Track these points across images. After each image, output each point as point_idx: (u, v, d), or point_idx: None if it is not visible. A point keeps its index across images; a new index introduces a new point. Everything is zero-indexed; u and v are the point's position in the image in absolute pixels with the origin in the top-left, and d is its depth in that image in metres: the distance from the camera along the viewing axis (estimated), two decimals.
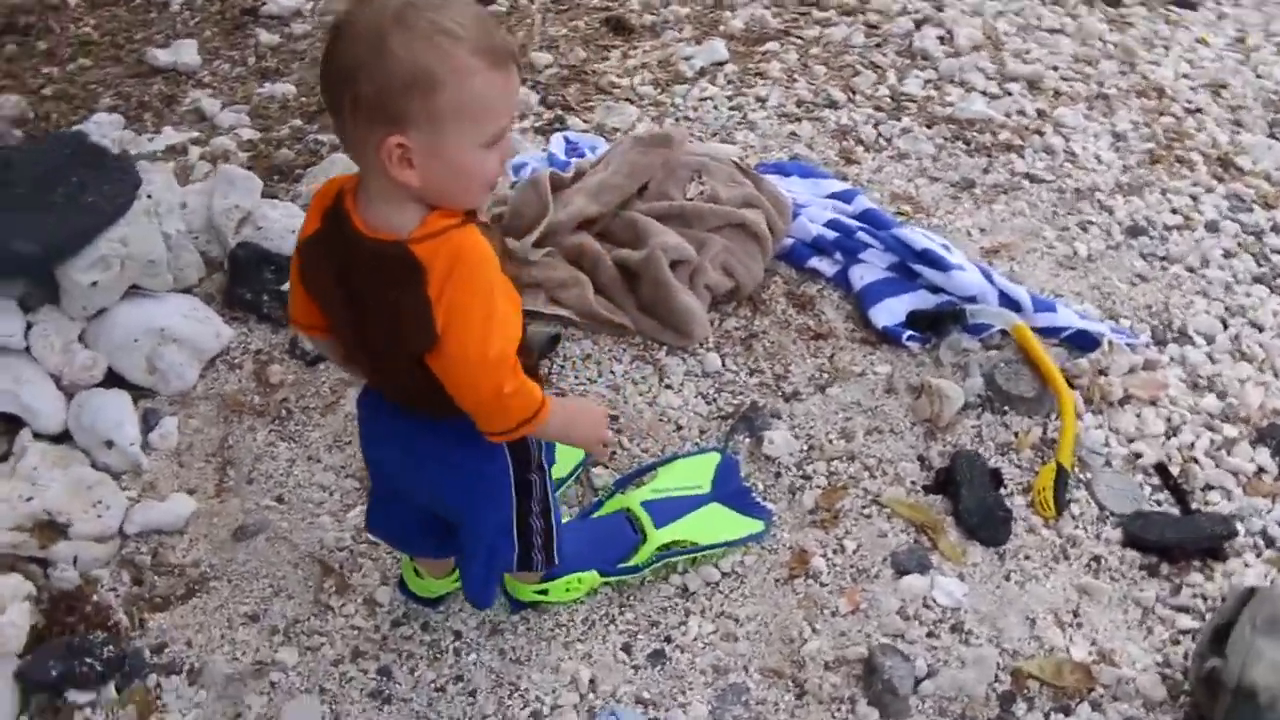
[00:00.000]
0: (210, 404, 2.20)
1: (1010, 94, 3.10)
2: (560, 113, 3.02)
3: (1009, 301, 2.35)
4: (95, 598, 1.88)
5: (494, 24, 1.28)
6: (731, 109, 3.04)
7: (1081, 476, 2.09)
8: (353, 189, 1.33)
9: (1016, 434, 2.16)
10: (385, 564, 1.93)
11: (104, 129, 2.95)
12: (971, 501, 2.00)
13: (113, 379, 2.15)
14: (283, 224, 2.41)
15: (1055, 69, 3.24)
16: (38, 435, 2.04)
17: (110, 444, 2.02)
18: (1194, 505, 2.06)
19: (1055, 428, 2.15)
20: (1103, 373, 2.27)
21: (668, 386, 2.25)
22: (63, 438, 2.07)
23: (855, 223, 2.50)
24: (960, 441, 2.15)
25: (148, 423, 2.13)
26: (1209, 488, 2.10)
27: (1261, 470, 2.13)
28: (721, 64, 3.23)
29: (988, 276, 2.39)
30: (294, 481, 2.07)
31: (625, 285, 2.37)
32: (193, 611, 1.89)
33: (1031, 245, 2.61)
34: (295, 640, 1.85)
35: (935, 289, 2.39)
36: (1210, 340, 2.39)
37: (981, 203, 2.73)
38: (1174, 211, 2.72)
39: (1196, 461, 2.14)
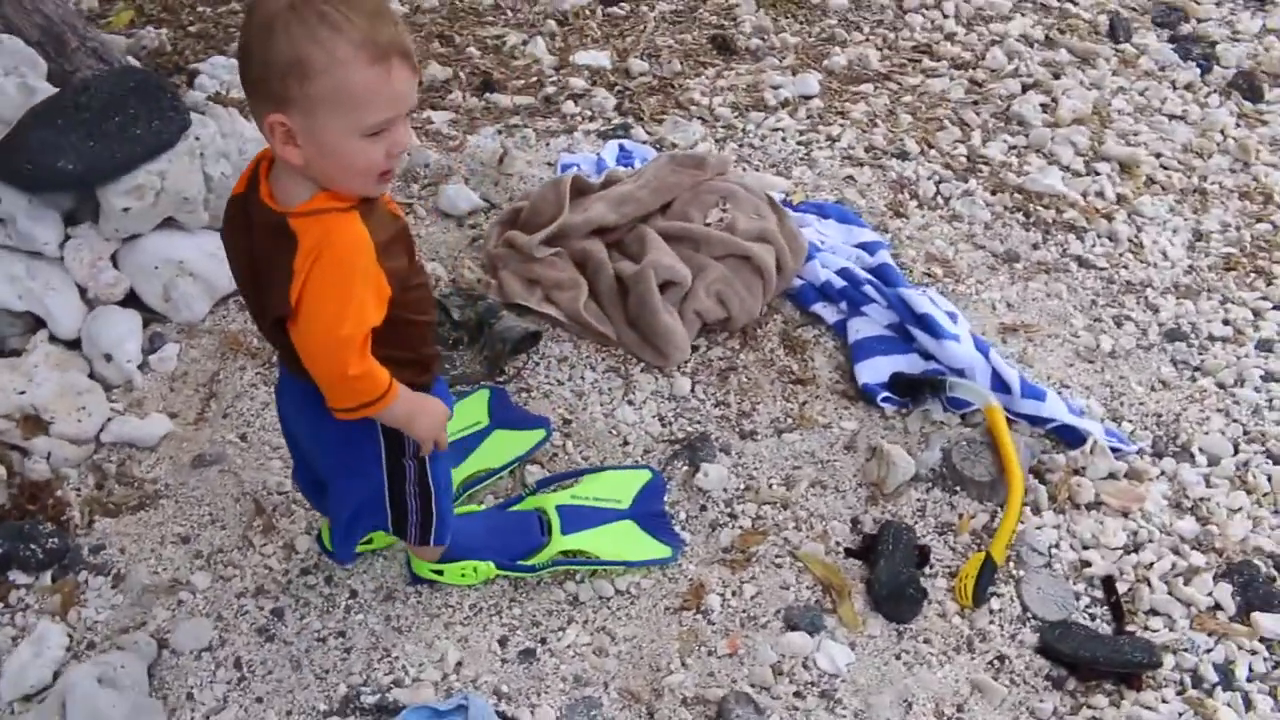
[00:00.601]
0: (213, 339, 2.37)
1: (1095, 173, 2.98)
2: (630, 121, 3.08)
3: (999, 382, 2.28)
4: (59, 493, 2.08)
5: (387, 20, 1.33)
6: (799, 143, 3.03)
7: (1014, 573, 2.03)
8: (267, 165, 1.44)
9: (961, 516, 2.11)
10: (314, 516, 2.05)
11: (215, 70, 3.18)
12: (886, 573, 1.97)
13: (132, 300, 2.35)
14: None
15: (1158, 156, 3.09)
16: (54, 339, 2.25)
17: (109, 357, 2.22)
18: (1129, 627, 1.97)
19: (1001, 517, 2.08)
20: (1077, 472, 2.19)
21: (629, 401, 2.29)
22: (75, 345, 2.27)
23: (866, 275, 2.48)
24: (901, 512, 2.11)
25: (152, 345, 2.32)
26: (1153, 613, 2.00)
27: (1218, 607, 2.02)
28: (809, 98, 3.22)
29: (984, 352, 2.32)
30: (260, 423, 2.22)
31: (620, 297, 2.42)
32: (136, 523, 2.06)
33: (1055, 330, 2.52)
34: (212, 567, 1.99)
35: (928, 355, 2.34)
36: (1214, 462, 2.26)
37: (1019, 278, 2.65)
38: (1226, 323, 2.57)
39: (1149, 583, 2.04)
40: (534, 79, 3.28)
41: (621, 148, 2.90)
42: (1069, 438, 2.25)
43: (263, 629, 1.90)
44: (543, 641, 1.90)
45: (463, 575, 1.93)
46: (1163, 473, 2.23)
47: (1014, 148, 3.07)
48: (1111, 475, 2.20)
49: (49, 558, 1.98)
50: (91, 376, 2.22)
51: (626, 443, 2.22)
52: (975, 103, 3.24)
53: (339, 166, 1.36)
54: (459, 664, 1.86)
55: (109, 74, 2.44)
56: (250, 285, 1.50)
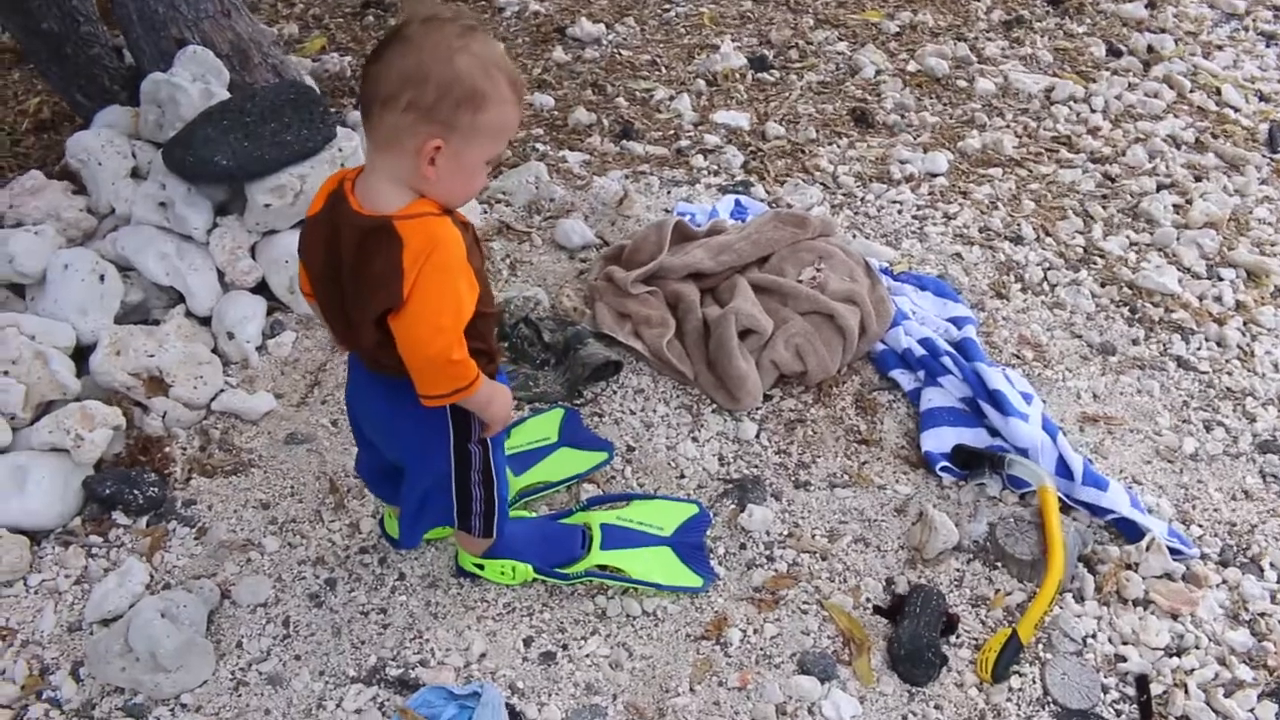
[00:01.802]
0: (325, 333, 2.59)
1: (1218, 278, 2.92)
2: (753, 179, 3.20)
3: (1063, 466, 2.27)
4: (167, 449, 2.32)
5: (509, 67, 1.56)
6: (914, 217, 3.08)
7: (1041, 655, 2.01)
8: (353, 178, 1.61)
9: (997, 591, 2.10)
10: (381, 503, 2.22)
11: None
12: (908, 634, 1.98)
13: (262, 289, 2.60)
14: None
15: None
16: (189, 314, 2.51)
17: (232, 336, 2.46)
18: None
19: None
20: (1130, 566, 2.15)
21: (694, 438, 2.38)
22: (206, 321, 2.53)
23: (947, 347, 2.50)
24: (938, 579, 2.12)
25: (272, 331, 2.56)
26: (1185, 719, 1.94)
27: None
28: (935, 175, 3.27)
29: (1052, 435, 2.32)
30: None
31: (703, 339, 2.52)
32: (227, 485, 2.27)
33: (1138, 426, 2.48)
34: (283, 534, 2.18)
35: (995, 432, 2.35)
36: None
37: (1110, 370, 2.62)
38: None
39: (1186, 689, 1.98)
40: (671, 132, 3.44)
41: (738, 202, 3.01)
42: (1128, 531, 2.21)
43: (314, 595, 2.07)
44: (564, 647, 1.99)
45: (502, 574, 2.05)
46: (1224, 581, 2.16)
47: (1135, 244, 3.03)
48: (1166, 575, 2.14)
49: (147, 504, 2.21)
50: (214, 351, 2.47)
51: (683, 476, 2.31)
52: (1104, 197, 3.21)
53: (465, 186, 1.58)
54: (483, 655, 1.97)
55: (275, 86, 2.73)
56: (337, 292, 1.62)
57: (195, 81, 2.74)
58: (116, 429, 2.26)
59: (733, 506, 2.24)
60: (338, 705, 1.90)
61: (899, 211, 3.10)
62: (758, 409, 2.46)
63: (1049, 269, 2.90)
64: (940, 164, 3.29)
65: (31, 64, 3.43)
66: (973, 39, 3.98)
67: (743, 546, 2.18)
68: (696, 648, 2.00)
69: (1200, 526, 2.27)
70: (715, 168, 3.24)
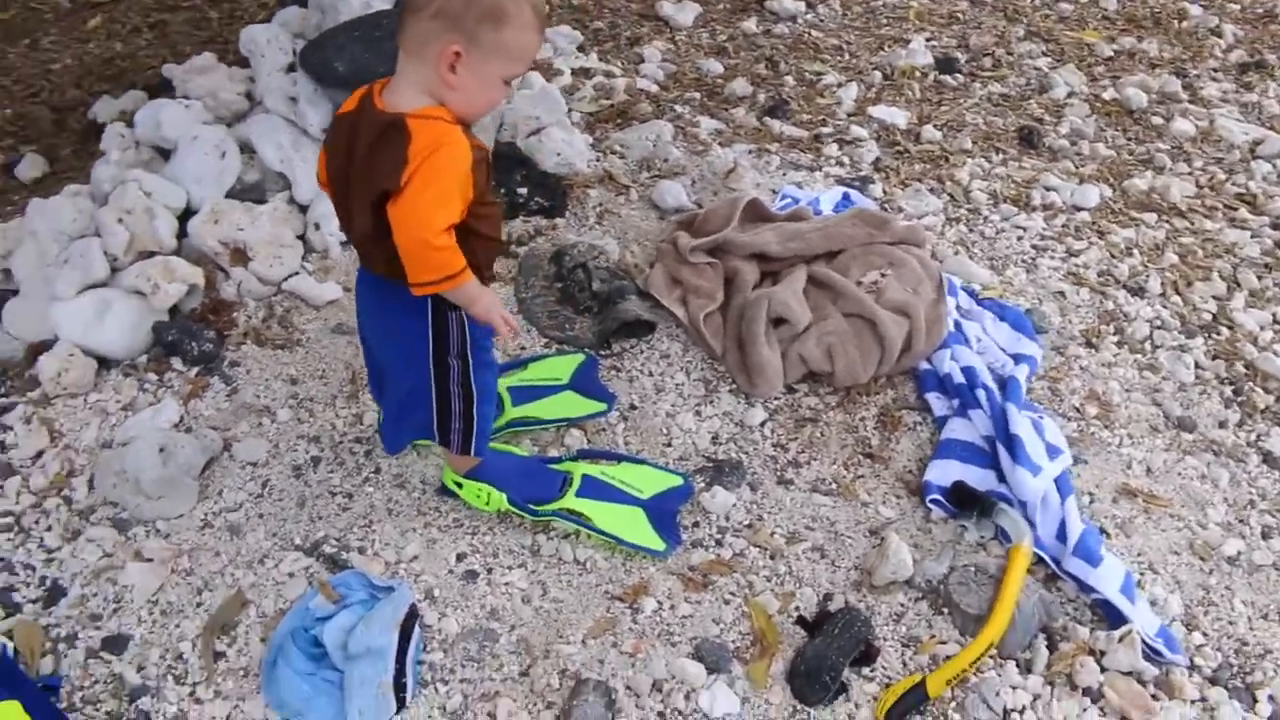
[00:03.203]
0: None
1: None
2: (876, 178, 3.11)
3: (1063, 531, 2.11)
4: (234, 314, 2.58)
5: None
6: (1033, 246, 2.90)
7: (950, 715, 1.90)
8: (382, 85, 1.74)
9: (932, 636, 2.00)
10: None
11: (557, 36, 3.63)
12: (814, 651, 1.93)
13: None
14: (562, 151, 2.89)
15: None
16: (292, 200, 2.76)
17: (318, 226, 2.69)
18: None
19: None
20: (1094, 653, 1.98)
21: (696, 412, 2.39)
22: (305, 210, 2.77)
23: (987, 380, 2.37)
24: (878, 608, 2.04)
25: None
26: None
27: None
28: (1079, 209, 3.06)
29: (1063, 496, 2.16)
30: None
31: (740, 319, 2.50)
32: (270, 357, 2.50)
33: (1182, 514, 2.25)
34: (298, 409, 2.39)
35: (1004, 477, 2.22)
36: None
37: (1177, 448, 2.38)
38: None
39: None
40: (821, 117, 3.39)
41: (845, 195, 2.95)
42: (1112, 616, 2.03)
43: (298, 467, 2.26)
44: (489, 570, 2.08)
45: (478, 496, 2.13)
46: (1203, 699, 1.95)
47: (1279, 325, 2.71)
48: (1134, 674, 1.96)
49: (200, 357, 2.47)
50: (300, 238, 2.70)
51: (670, 445, 2.32)
52: (1267, 266, 2.89)
53: (483, 98, 1.69)
54: (415, 558, 2.09)
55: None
56: (347, 178, 1.73)
57: None
58: (194, 287, 2.53)
59: (703, 485, 2.23)
60: (276, 565, 2.08)
61: (1019, 238, 2.92)
62: (776, 398, 2.42)
63: (1158, 328, 2.66)
64: (1091, 198, 3.06)
65: None
66: (1193, 76, 3.64)
67: (696, 525, 2.18)
68: (609, 605, 2.03)
69: (1205, 635, 2.05)
70: (845, 159, 3.17)
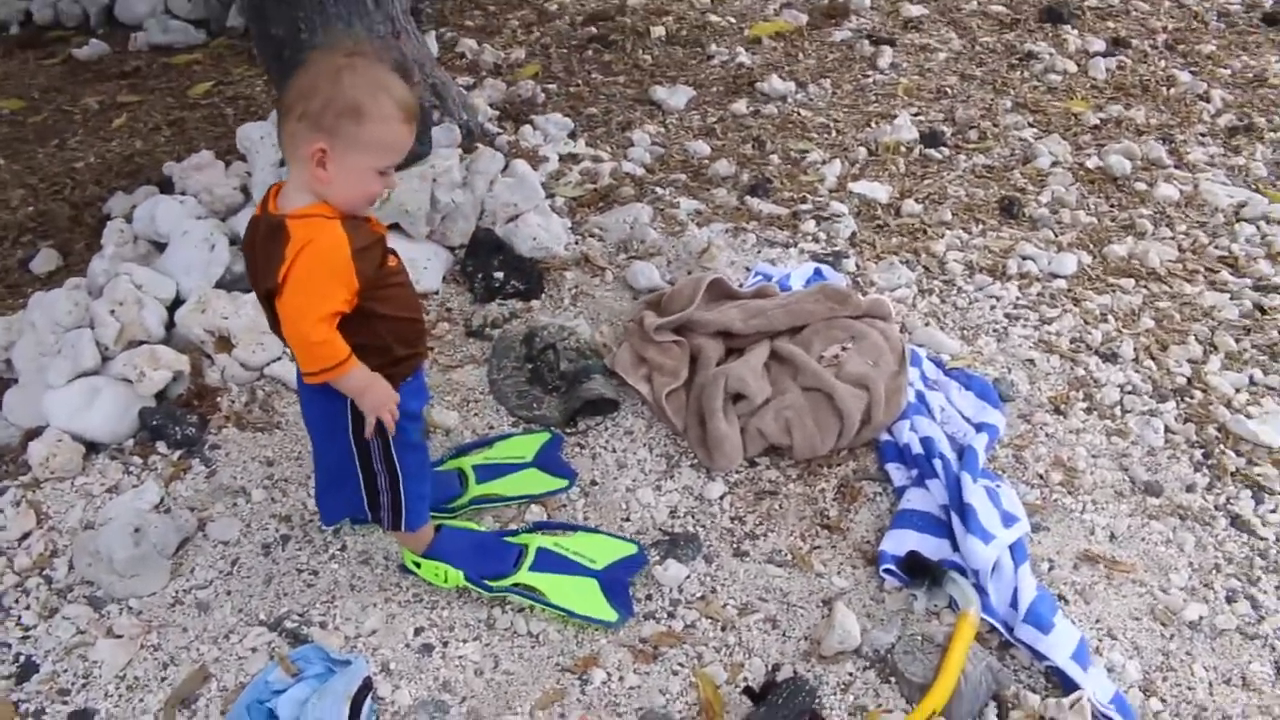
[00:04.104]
0: None
1: None
2: (850, 253, 3.15)
3: (1015, 599, 2.11)
4: (218, 399, 2.68)
5: (413, 94, 1.77)
6: (1006, 315, 2.92)
7: None
8: (278, 187, 1.86)
9: (879, 705, 2.00)
10: None
11: (549, 124, 3.76)
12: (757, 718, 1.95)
13: None
14: (538, 236, 3.00)
15: None
16: None
17: None
18: None
19: None
20: None
21: (656, 487, 2.43)
22: None
23: (946, 450, 2.38)
24: (826, 678, 2.05)
25: None
26: None
27: None
28: (1056, 277, 3.07)
29: (1016, 563, 2.16)
30: None
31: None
32: (249, 440, 2.59)
33: (1144, 579, 2.23)
34: (271, 489, 2.47)
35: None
36: None
37: (1141, 513, 2.37)
38: None
39: None
40: (802, 195, 3.45)
41: (817, 271, 3.00)
42: (1067, 684, 2.02)
43: (267, 545, 2.33)
44: (445, 644, 2.13)
45: (436, 574, 2.19)
46: None
47: (1255, 387, 2.70)
48: None
49: (183, 441, 2.57)
50: None
51: (628, 519, 2.36)
52: (1246, 329, 2.88)
53: (354, 191, 1.77)
54: (374, 632, 2.15)
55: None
56: (253, 275, 1.87)
57: None
58: (179, 374, 2.65)
59: (658, 558, 2.27)
60: (240, 640, 2.14)
61: (992, 307, 2.94)
62: (737, 472, 2.46)
63: (1129, 393, 2.66)
64: (1068, 266, 3.08)
65: (260, 59, 4.01)
66: (1180, 141, 3.66)
67: (649, 597, 2.20)
68: (558, 677, 2.06)
69: (1164, 702, 2.03)
70: (822, 235, 3.22)
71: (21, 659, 2.14)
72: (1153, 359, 2.77)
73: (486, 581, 2.18)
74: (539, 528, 2.33)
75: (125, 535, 2.22)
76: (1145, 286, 3.03)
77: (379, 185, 1.79)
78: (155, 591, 2.25)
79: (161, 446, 2.58)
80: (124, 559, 2.20)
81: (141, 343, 2.69)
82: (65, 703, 2.06)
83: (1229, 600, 2.20)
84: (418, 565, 2.21)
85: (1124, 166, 3.49)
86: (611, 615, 2.14)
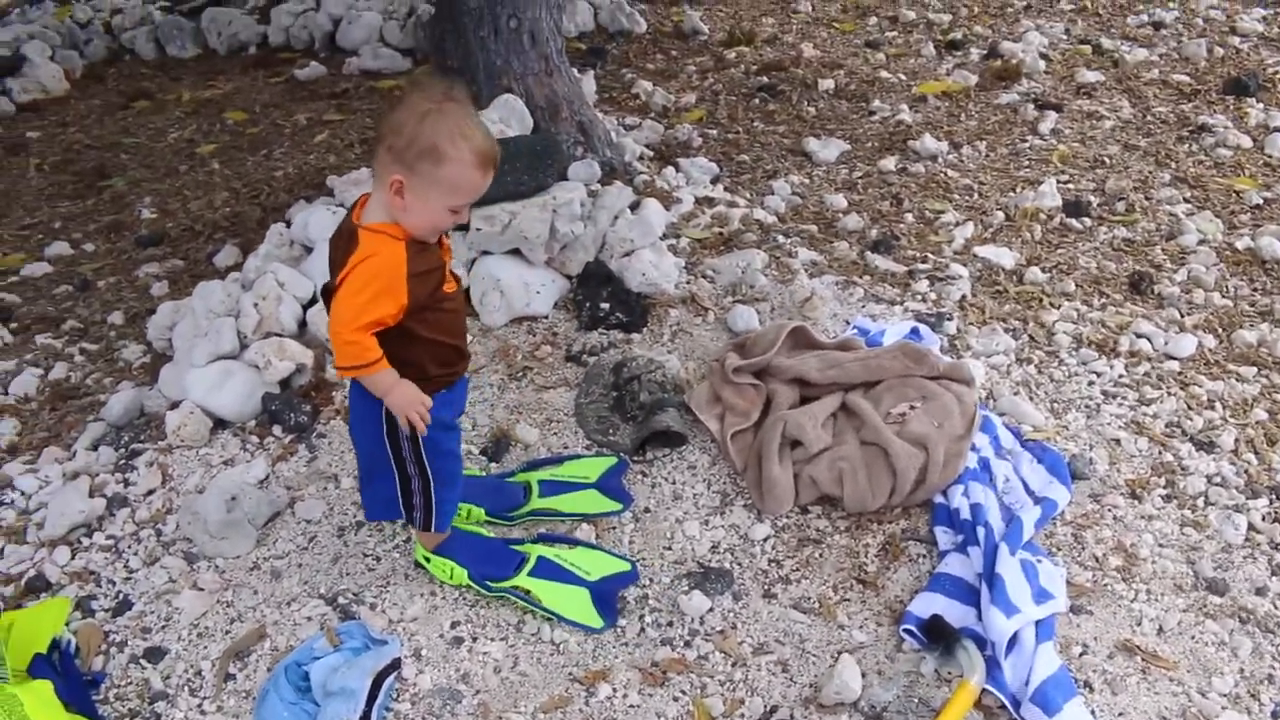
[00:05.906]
0: (494, 343, 3.08)
1: None
2: (954, 315, 3.13)
3: (1029, 675, 2.08)
4: (333, 393, 2.96)
5: (493, 138, 1.95)
6: (1104, 393, 2.84)
7: None
8: (364, 199, 2.08)
9: None
10: None
11: (693, 167, 3.92)
12: None
13: (466, 297, 3.15)
14: (648, 272, 3.15)
15: None
16: None
17: None
18: None
19: None
20: None
21: (704, 521, 2.51)
22: None
23: (992, 518, 2.36)
24: None
25: None
26: None
27: None
28: (1170, 358, 2.96)
29: (1038, 641, 2.12)
30: (474, 401, 2.87)
31: None
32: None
33: (1185, 678, 2.13)
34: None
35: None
36: None
37: (1198, 610, 2.26)
38: None
39: None
40: (926, 254, 3.46)
41: (915, 331, 3.00)
42: None
43: (342, 529, 2.57)
44: (474, 639, 2.29)
45: (443, 571, 2.37)
46: None
47: None
48: None
49: (295, 427, 2.85)
50: None
51: (670, 548, 2.46)
52: None
53: (423, 221, 1.96)
54: (415, 619, 2.33)
55: (530, 137, 3.28)
56: (331, 267, 2.12)
57: (497, 122, 3.37)
58: (301, 366, 2.94)
59: (687, 589, 2.35)
60: (299, 609, 2.38)
61: (1090, 383, 2.87)
62: (786, 517, 2.51)
63: (1217, 484, 2.54)
64: (1186, 348, 2.96)
65: None
66: None
67: (670, 624, 2.29)
68: (568, 685, 2.18)
69: None
70: (933, 296, 3.22)
71: (120, 596, 2.45)
72: (1255, 453, 2.63)
73: (487, 582, 2.34)
74: (542, 539, 2.47)
75: (221, 501, 2.50)
76: (1266, 376, 2.87)
77: (449, 220, 1.97)
78: (240, 555, 2.52)
79: (277, 429, 2.86)
80: (217, 521, 2.47)
81: (276, 335, 3.00)
82: (145, 639, 2.34)
83: (1275, 716, 2.08)
84: (428, 560, 2.38)
85: (1275, 249, 3.31)
86: (598, 622, 2.27)
